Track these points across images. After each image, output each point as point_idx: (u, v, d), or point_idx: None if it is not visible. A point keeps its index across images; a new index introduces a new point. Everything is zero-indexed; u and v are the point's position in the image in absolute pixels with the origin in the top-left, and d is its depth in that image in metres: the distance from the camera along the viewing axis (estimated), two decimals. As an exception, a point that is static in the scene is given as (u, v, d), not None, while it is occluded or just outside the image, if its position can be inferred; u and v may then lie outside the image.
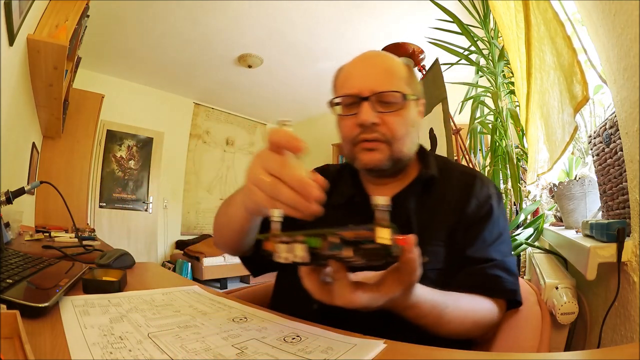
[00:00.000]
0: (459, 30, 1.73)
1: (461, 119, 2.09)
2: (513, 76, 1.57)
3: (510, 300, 0.58)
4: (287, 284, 0.66)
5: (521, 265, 1.52)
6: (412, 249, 0.34)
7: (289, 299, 0.62)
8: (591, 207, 1.04)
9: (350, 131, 0.61)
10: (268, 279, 0.76)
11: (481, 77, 1.78)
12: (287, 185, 0.35)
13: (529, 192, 1.64)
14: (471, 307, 0.51)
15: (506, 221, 0.66)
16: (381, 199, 0.31)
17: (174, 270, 4.01)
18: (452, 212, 0.61)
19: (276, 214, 0.35)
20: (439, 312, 0.45)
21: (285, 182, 0.36)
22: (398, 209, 0.61)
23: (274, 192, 0.36)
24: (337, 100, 0.63)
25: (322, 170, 0.78)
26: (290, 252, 0.33)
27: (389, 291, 0.37)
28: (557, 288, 0.90)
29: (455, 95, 1.95)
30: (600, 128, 0.84)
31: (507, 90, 1.73)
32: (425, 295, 0.43)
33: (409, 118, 0.62)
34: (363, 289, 0.36)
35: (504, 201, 0.67)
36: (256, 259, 0.67)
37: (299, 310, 0.49)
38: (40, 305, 0.39)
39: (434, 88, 1.76)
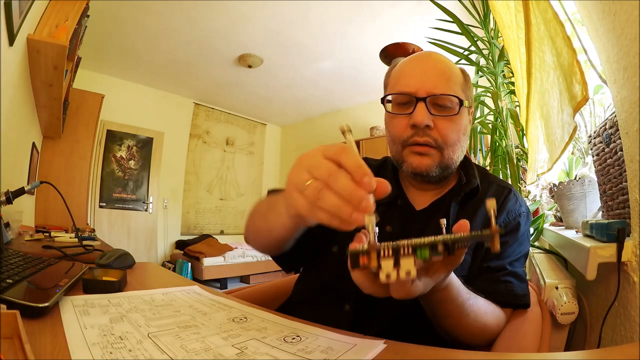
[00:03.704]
0: (459, 30, 1.73)
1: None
2: (513, 76, 1.57)
3: (520, 304, 0.60)
4: (316, 283, 0.64)
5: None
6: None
7: (316, 298, 0.61)
8: (591, 207, 1.04)
9: (402, 132, 0.60)
10: (267, 279, 0.76)
11: (481, 77, 1.77)
12: (333, 191, 0.32)
13: (529, 192, 1.63)
14: (484, 309, 0.52)
15: (529, 240, 0.66)
16: (490, 202, 0.31)
17: (174, 270, 4.00)
18: (483, 223, 0.61)
19: (372, 223, 0.30)
20: (461, 302, 0.45)
21: (332, 188, 0.32)
22: (438, 214, 0.61)
23: (316, 197, 0.32)
24: (389, 97, 0.61)
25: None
26: (395, 267, 0.29)
27: (437, 275, 0.36)
28: (557, 288, 0.90)
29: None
30: (600, 128, 0.84)
31: (507, 90, 1.73)
32: (454, 279, 0.43)
33: (462, 125, 0.61)
34: (417, 276, 0.34)
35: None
36: (290, 256, 0.63)
37: (326, 310, 0.48)
38: (40, 305, 0.39)
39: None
